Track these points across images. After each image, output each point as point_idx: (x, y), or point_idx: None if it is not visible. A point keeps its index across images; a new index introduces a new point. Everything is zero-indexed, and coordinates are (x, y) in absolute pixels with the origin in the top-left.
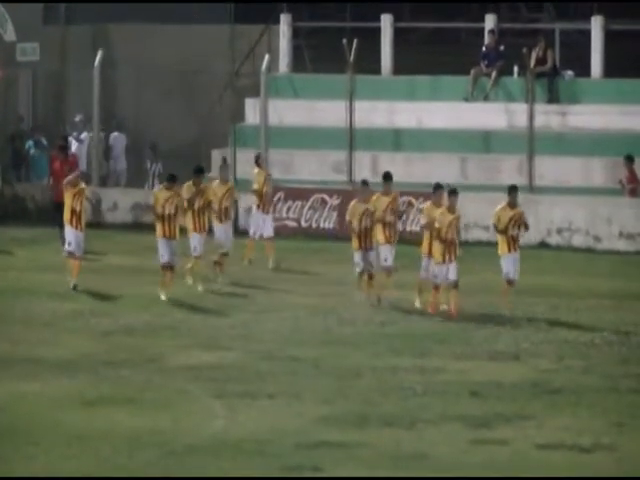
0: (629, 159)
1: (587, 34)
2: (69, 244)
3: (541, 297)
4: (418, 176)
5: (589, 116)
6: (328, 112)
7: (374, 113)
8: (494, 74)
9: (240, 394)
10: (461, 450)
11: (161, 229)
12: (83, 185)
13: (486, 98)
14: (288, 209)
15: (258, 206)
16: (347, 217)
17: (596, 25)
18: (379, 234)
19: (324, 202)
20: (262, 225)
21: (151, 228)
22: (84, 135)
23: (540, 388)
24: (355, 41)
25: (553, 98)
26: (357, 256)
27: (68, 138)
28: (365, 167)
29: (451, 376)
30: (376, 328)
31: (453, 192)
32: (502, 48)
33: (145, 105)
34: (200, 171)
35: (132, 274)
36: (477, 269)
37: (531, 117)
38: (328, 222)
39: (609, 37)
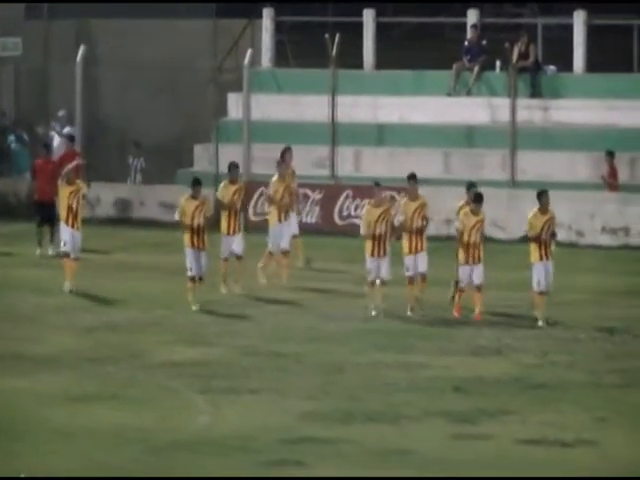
0: (610, 154)
1: (569, 29)
2: (64, 243)
3: (524, 292)
4: (401, 171)
5: (572, 111)
6: (311, 107)
7: (357, 108)
8: (477, 69)
9: (224, 390)
10: (445, 445)
11: (189, 239)
12: (81, 183)
13: (469, 93)
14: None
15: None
16: (362, 223)
17: (578, 20)
18: (406, 243)
19: (307, 197)
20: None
21: (134, 223)
22: (67, 129)
23: (523, 383)
24: (338, 36)
25: (536, 93)
26: (369, 263)
27: (50, 132)
28: (348, 162)
29: (434, 372)
30: (360, 324)
31: (478, 197)
32: (485, 43)
33: (128, 100)
34: (235, 166)
35: (116, 270)
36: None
37: (514, 112)
38: (311, 217)
39: (591, 32)
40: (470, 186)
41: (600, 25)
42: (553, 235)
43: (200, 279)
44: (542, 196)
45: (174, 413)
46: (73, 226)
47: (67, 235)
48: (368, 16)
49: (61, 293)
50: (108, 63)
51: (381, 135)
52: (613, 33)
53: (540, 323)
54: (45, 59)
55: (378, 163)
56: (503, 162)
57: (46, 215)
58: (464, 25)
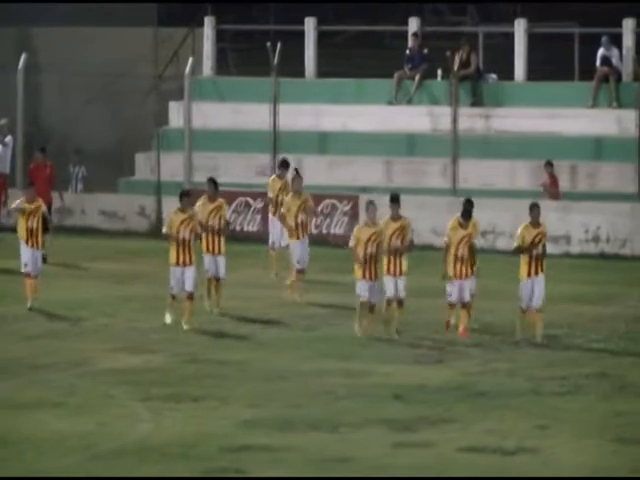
0: (549, 164)
1: (510, 37)
2: (25, 265)
3: None
4: (343, 180)
5: (513, 119)
6: (253, 115)
7: (299, 116)
8: (418, 77)
9: (165, 398)
10: (385, 453)
11: (175, 255)
12: (40, 202)
13: (410, 101)
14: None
15: (274, 214)
16: (350, 242)
17: (519, 28)
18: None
19: (248, 205)
20: (281, 234)
21: (75, 231)
22: (8, 138)
23: (464, 391)
24: (279, 44)
25: (477, 101)
26: (360, 286)
27: None
28: (290, 170)
29: (376, 379)
30: (301, 332)
31: (467, 209)
32: (426, 51)
33: (69, 108)
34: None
35: (55, 278)
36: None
37: (455, 120)
38: (252, 225)
39: (532, 40)
40: (465, 202)
41: (541, 33)
42: (544, 248)
43: (191, 297)
44: (533, 209)
45: (115, 421)
46: (33, 246)
47: (27, 256)
48: (309, 24)
49: (1, 301)
50: (49, 71)
51: (323, 143)
52: (554, 41)
53: (539, 339)
54: None
55: (320, 171)
56: (444, 170)
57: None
58: (405, 33)
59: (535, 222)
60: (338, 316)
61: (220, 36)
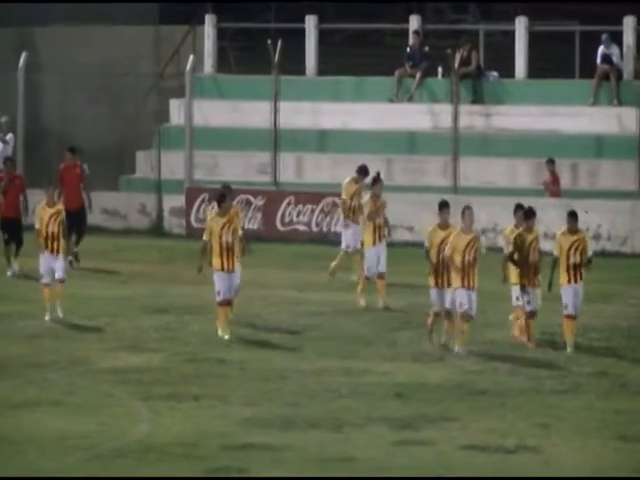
0: (550, 162)
1: (511, 35)
2: (42, 277)
3: None
4: (343, 178)
5: (513, 117)
6: (253, 113)
7: (299, 114)
8: (418, 75)
9: (165, 397)
10: (386, 452)
11: (219, 261)
12: (60, 206)
13: (411, 99)
14: (212, 210)
15: (347, 217)
16: (426, 243)
17: (520, 26)
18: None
19: (249, 203)
20: (353, 237)
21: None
22: (9, 136)
23: (465, 390)
24: (279, 42)
25: (477, 99)
26: (433, 294)
27: None
28: (290, 168)
29: (376, 378)
30: (302, 331)
31: (529, 213)
32: (426, 49)
33: (70, 107)
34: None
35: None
36: (402, 270)
37: (456, 118)
38: (253, 223)
39: (533, 38)
40: (518, 207)
41: (542, 31)
42: (586, 255)
43: (229, 304)
44: (571, 216)
45: (116, 420)
46: (52, 252)
47: (46, 265)
48: (310, 22)
49: (3, 300)
50: (50, 70)
51: (323, 141)
52: (554, 39)
53: (569, 350)
54: None
55: (320, 169)
56: (445, 168)
57: (74, 223)
58: (406, 31)
59: (572, 229)
60: (338, 314)
61: (221, 34)
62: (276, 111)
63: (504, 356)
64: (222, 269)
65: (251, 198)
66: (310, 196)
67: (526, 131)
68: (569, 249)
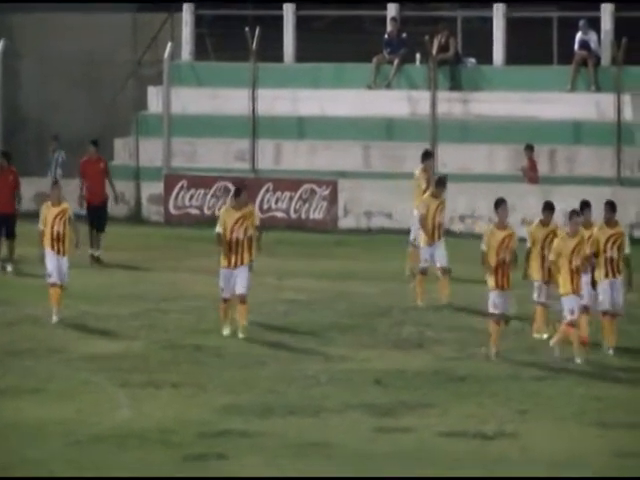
0: (529, 148)
1: (489, 22)
2: (49, 275)
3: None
4: (321, 164)
5: (492, 104)
6: (231, 100)
7: (277, 101)
8: (396, 62)
9: (144, 384)
10: (365, 438)
11: (226, 257)
12: (66, 204)
13: (389, 86)
14: (191, 197)
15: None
16: (483, 247)
17: (498, 13)
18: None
19: (227, 190)
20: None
21: None
22: None
23: (444, 376)
24: (258, 29)
25: (456, 86)
26: (493, 297)
27: None
28: (268, 155)
29: (355, 365)
30: (280, 317)
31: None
32: (404, 36)
33: (48, 94)
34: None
35: (36, 264)
36: (380, 257)
37: (434, 105)
38: None
39: (511, 24)
40: (547, 206)
41: (519, 18)
42: (622, 252)
43: (244, 300)
44: (608, 208)
45: (94, 407)
46: (59, 252)
47: (52, 264)
48: (288, 9)
49: None
50: (28, 57)
51: (301, 128)
52: (532, 25)
53: (610, 351)
54: None
55: (298, 156)
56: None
57: (95, 218)
58: (384, 18)
59: (610, 222)
60: (316, 301)
61: (199, 21)
62: (254, 98)
63: (482, 342)
64: (228, 265)
65: (229, 185)
66: (289, 183)
67: (504, 117)
68: (607, 242)
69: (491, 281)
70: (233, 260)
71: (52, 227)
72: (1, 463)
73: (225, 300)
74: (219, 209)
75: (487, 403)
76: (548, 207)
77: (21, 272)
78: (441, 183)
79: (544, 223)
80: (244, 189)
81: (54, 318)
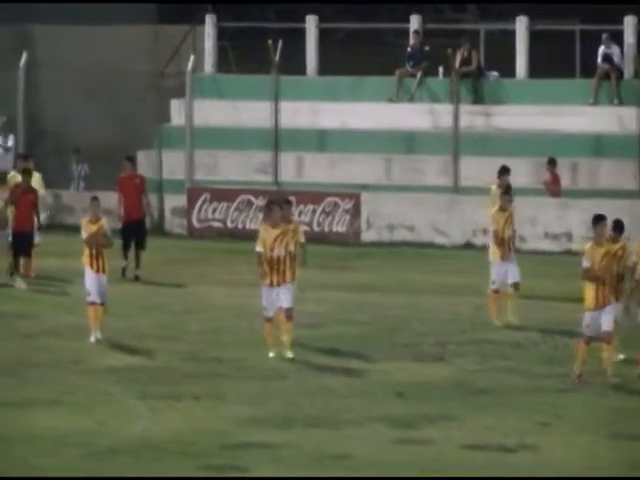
0: (551, 162)
1: (512, 34)
2: (89, 294)
3: (466, 297)
4: (343, 177)
5: (514, 117)
6: (253, 113)
7: (299, 114)
8: (419, 75)
9: (164, 396)
10: (385, 450)
11: (268, 275)
12: (103, 221)
13: (411, 99)
14: (214, 210)
15: (502, 258)
16: (585, 263)
17: (520, 26)
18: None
19: (250, 203)
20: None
21: (75, 230)
22: (11, 143)
23: (464, 388)
24: (280, 42)
25: (478, 99)
26: (587, 317)
27: None
28: (290, 168)
29: (376, 377)
30: (302, 330)
31: (599, 218)
32: (427, 49)
33: (69, 107)
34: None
35: (57, 276)
36: (402, 269)
37: (456, 118)
38: (254, 223)
39: (534, 37)
40: (599, 218)
41: (542, 31)
42: None
43: (290, 316)
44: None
45: (113, 418)
46: (98, 271)
47: (91, 282)
48: (310, 22)
49: (2, 299)
50: (49, 69)
51: (323, 141)
52: (555, 38)
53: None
54: None
55: (320, 169)
56: (444, 168)
57: (133, 235)
58: (406, 31)
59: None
60: (337, 313)
61: (221, 34)
62: (276, 111)
63: (502, 355)
64: (271, 284)
65: (252, 198)
66: (312, 196)
67: (526, 131)
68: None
69: (589, 299)
70: (275, 279)
71: (91, 245)
72: (19, 474)
73: (268, 320)
74: (258, 225)
75: (508, 415)
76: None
77: (40, 285)
78: (507, 194)
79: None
80: (285, 205)
81: (91, 338)
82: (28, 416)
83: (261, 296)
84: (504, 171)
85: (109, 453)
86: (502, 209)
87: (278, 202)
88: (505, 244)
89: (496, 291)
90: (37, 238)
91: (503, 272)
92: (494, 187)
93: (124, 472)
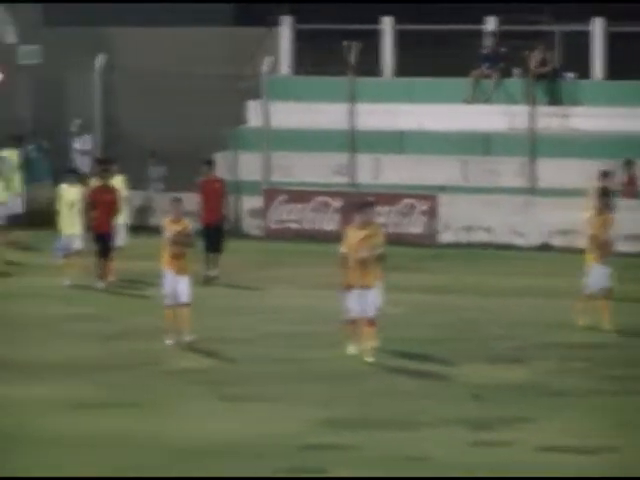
0: (628, 164)
1: (588, 35)
2: (167, 296)
3: (544, 299)
4: (419, 179)
5: (590, 118)
6: (329, 114)
7: (375, 115)
8: (495, 76)
9: (240, 397)
10: (461, 452)
11: (353, 276)
12: (186, 222)
13: (488, 100)
14: (290, 211)
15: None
16: None
17: (597, 27)
18: None
19: (327, 205)
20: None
21: (153, 231)
22: (88, 145)
23: (541, 390)
24: (356, 43)
25: (554, 100)
26: None
27: (73, 145)
28: (367, 170)
29: (451, 379)
30: (379, 331)
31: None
32: (503, 50)
33: (145, 109)
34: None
35: (136, 278)
36: (479, 271)
37: (532, 119)
38: (331, 224)
39: (610, 38)
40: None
41: (619, 32)
42: None
43: (372, 322)
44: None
45: (189, 420)
46: (178, 272)
47: (170, 284)
48: (387, 23)
49: (80, 301)
50: (126, 71)
51: (399, 142)
52: (632, 39)
53: None
54: (62, 67)
55: (396, 170)
56: (521, 169)
57: (213, 238)
58: (482, 32)
59: None
60: (414, 315)
61: (297, 35)
62: (353, 113)
63: (580, 356)
64: (355, 286)
65: (329, 200)
66: (388, 197)
67: (603, 132)
68: None
69: None
70: (360, 280)
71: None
72: (99, 473)
73: (351, 321)
74: (342, 226)
75: (584, 417)
76: None
77: (120, 287)
78: (604, 196)
79: None
80: (369, 207)
81: (170, 340)
82: (105, 419)
83: (343, 298)
84: (605, 175)
85: (186, 455)
86: (599, 213)
87: (363, 204)
88: (601, 248)
89: (589, 295)
90: (121, 240)
91: (598, 276)
92: (592, 190)
93: (201, 474)
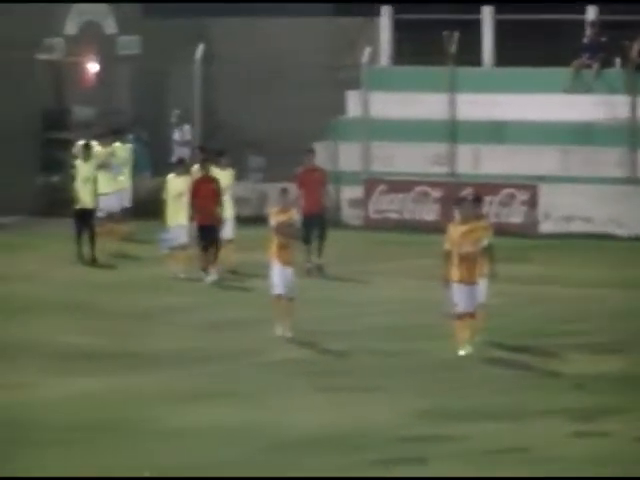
0: None
1: None
2: (274, 287)
3: None
4: (519, 169)
5: None
6: (428, 105)
7: (475, 105)
8: (596, 66)
9: (339, 388)
10: (562, 443)
11: (457, 271)
12: (292, 212)
13: (589, 90)
14: (390, 201)
15: None
16: None
17: None
18: None
19: (427, 194)
20: None
21: (251, 222)
22: (188, 136)
23: None
24: (456, 33)
25: None
26: None
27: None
28: (466, 160)
29: (552, 369)
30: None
31: None
32: (604, 40)
33: (244, 100)
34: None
35: (240, 269)
36: (579, 262)
37: (633, 109)
38: (431, 214)
39: None
40: None
41: None
42: None
43: (471, 315)
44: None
45: (290, 411)
46: (284, 263)
47: (278, 276)
48: (487, 13)
49: (187, 293)
50: (225, 62)
51: (499, 133)
52: None
53: None
54: (161, 58)
55: (496, 160)
56: (621, 159)
57: (312, 229)
58: (583, 22)
59: None
60: (514, 306)
61: (397, 26)
62: (453, 103)
63: None
64: (460, 281)
65: (429, 189)
66: (489, 187)
67: None
68: None
69: None
70: (465, 275)
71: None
72: (197, 464)
73: (460, 316)
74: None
75: None
76: None
77: (223, 278)
78: None
79: None
80: (475, 202)
81: (278, 331)
82: (208, 409)
83: (446, 291)
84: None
85: (286, 446)
86: None
87: (468, 199)
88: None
89: None
90: (229, 232)
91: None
92: None
93: (301, 466)
